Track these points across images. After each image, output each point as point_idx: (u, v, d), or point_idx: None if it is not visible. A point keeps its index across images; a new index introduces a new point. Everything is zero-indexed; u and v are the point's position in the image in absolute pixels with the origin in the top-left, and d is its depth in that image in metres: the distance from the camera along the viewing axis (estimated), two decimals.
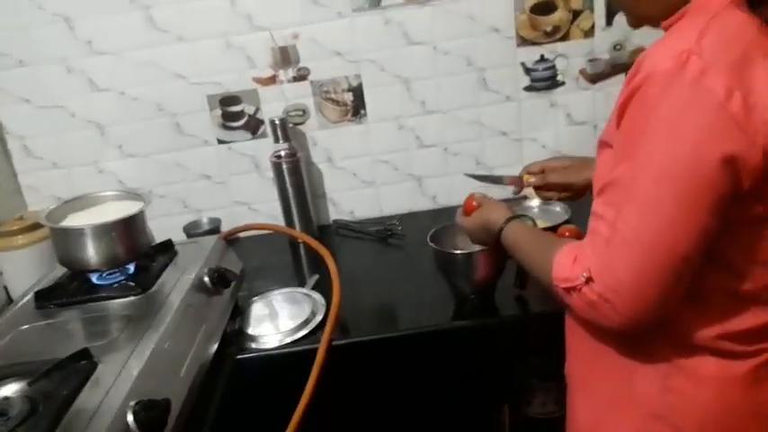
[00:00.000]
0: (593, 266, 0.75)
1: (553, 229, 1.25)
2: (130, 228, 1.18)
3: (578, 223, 1.15)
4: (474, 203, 1.06)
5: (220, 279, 1.19)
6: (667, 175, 0.70)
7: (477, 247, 1.14)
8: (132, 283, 1.13)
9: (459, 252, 1.17)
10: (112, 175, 1.66)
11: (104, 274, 1.18)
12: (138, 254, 1.20)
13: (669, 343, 0.79)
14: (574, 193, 1.16)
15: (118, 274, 1.18)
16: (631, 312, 0.73)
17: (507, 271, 1.19)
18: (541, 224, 1.33)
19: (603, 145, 0.83)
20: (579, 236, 1.10)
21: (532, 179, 1.18)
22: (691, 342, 0.78)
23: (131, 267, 1.20)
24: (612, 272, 0.73)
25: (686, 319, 0.78)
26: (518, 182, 1.19)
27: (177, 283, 1.14)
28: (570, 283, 0.77)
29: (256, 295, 1.33)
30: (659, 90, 0.70)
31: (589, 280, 0.75)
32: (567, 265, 0.79)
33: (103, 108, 1.61)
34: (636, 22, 0.86)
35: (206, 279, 1.17)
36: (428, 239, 1.21)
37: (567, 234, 1.20)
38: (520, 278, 1.22)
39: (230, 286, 1.22)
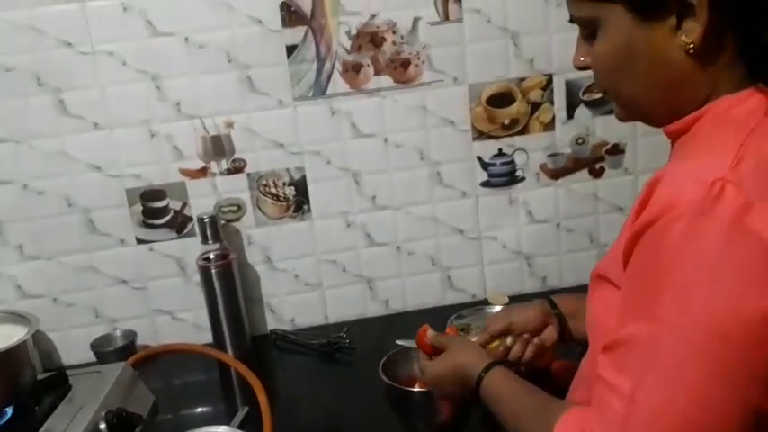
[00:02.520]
0: None
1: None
2: (8, 362, 0.95)
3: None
4: (427, 341, 0.88)
5: (122, 425, 0.96)
6: (700, 337, 0.55)
7: None
8: None
9: (417, 390, 0.98)
10: (10, 280, 1.42)
11: None
12: (19, 393, 0.97)
13: None
14: None
15: None
16: None
17: None
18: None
19: (602, 280, 0.68)
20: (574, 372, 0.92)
21: None
22: None
23: (9, 411, 0.96)
24: None
25: None
26: None
27: None
28: None
29: None
30: (684, 228, 0.55)
31: None
32: None
33: (1, 203, 1.38)
34: (626, 115, 0.72)
35: (102, 426, 0.94)
36: (379, 370, 1.01)
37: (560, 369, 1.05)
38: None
39: None
